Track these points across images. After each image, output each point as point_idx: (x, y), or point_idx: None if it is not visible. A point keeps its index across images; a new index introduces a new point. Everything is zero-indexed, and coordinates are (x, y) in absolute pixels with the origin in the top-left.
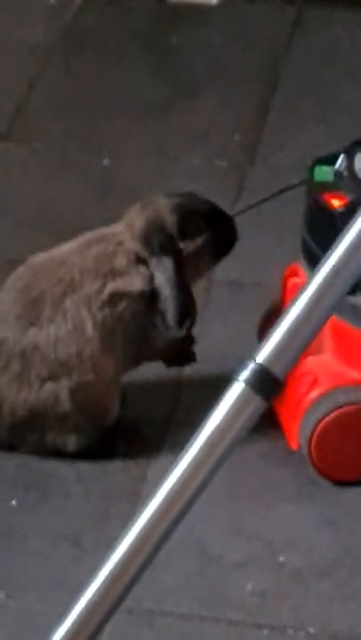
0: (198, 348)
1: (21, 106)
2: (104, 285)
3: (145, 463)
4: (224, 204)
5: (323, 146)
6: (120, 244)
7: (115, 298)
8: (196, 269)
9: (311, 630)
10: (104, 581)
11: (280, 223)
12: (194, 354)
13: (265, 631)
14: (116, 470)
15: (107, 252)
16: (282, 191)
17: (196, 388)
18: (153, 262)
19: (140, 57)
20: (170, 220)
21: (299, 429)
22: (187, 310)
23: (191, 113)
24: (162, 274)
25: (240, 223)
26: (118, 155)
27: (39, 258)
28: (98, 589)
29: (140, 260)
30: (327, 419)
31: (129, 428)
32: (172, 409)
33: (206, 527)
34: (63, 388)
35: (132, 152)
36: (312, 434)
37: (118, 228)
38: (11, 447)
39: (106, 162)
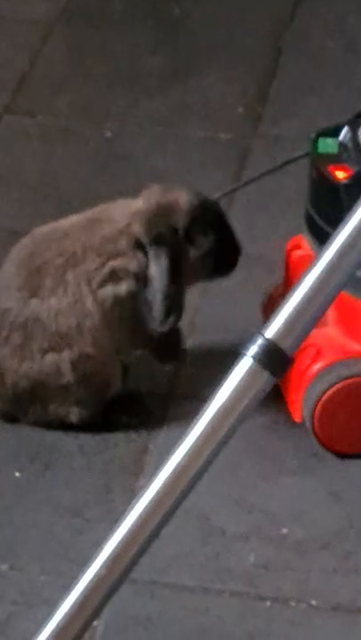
0: (200, 320)
1: (24, 79)
2: (104, 264)
3: (147, 436)
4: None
5: (326, 118)
6: (127, 225)
7: (114, 276)
8: (193, 276)
9: (313, 602)
10: (110, 554)
11: (283, 195)
12: (183, 351)
13: (267, 603)
14: (118, 442)
15: (113, 233)
16: (285, 163)
17: (197, 360)
18: (150, 251)
19: (143, 29)
20: (183, 218)
21: (302, 402)
22: (172, 307)
23: (194, 85)
24: (155, 265)
25: (243, 196)
26: (121, 127)
27: (44, 228)
28: (104, 562)
29: (140, 245)
30: (331, 391)
31: (131, 401)
32: (174, 381)
33: (209, 499)
34: (64, 359)
35: (135, 124)
36: (315, 406)
37: (130, 206)
38: (13, 418)
39: (108, 134)
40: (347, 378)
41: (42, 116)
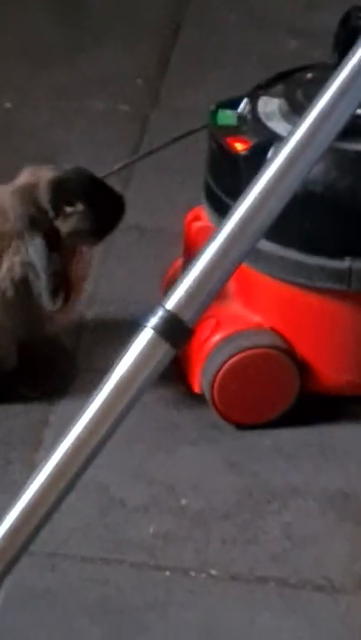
0: (99, 292)
1: None
2: (1, 254)
3: (46, 408)
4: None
5: (227, 90)
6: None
7: (8, 264)
8: (75, 245)
9: (213, 572)
10: (10, 527)
11: (182, 168)
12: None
13: (167, 573)
14: (17, 414)
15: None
16: (184, 135)
17: (97, 333)
18: (26, 237)
19: (42, 2)
20: (44, 194)
21: (201, 373)
22: (58, 283)
23: (94, 58)
24: (33, 252)
25: (142, 168)
26: (21, 98)
27: None
28: (4, 535)
29: (19, 233)
30: (230, 362)
31: (31, 372)
32: (74, 353)
33: (108, 471)
34: None
35: (35, 96)
36: (215, 377)
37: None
38: None
39: (8, 105)
40: (246, 349)
41: None
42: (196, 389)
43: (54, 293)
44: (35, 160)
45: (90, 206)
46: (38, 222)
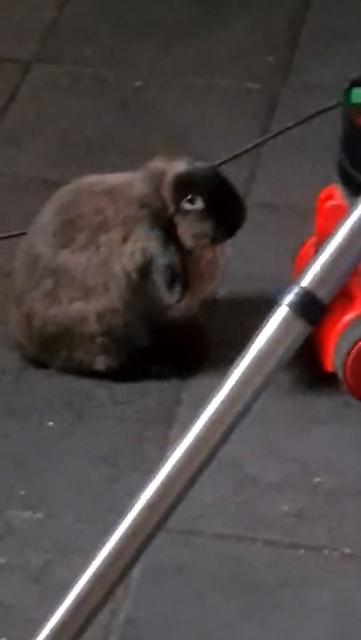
0: (231, 269)
1: (52, 27)
2: (126, 238)
3: (179, 385)
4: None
5: (356, 67)
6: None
7: (131, 249)
8: (192, 244)
9: (347, 550)
10: (145, 505)
11: (314, 145)
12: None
13: (301, 551)
14: (150, 392)
15: (132, 204)
16: (317, 113)
17: (229, 309)
18: (147, 226)
19: None
20: (167, 187)
21: (334, 351)
22: (174, 277)
23: (223, 34)
24: (151, 242)
25: (273, 146)
26: (150, 76)
27: (91, 178)
28: (139, 513)
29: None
30: None
31: (163, 350)
32: (206, 331)
33: (241, 449)
34: (91, 310)
35: (165, 73)
36: (348, 355)
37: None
38: (42, 364)
39: (138, 83)
40: None
41: (70, 65)
42: (329, 368)
43: (170, 286)
44: (165, 138)
45: (209, 207)
46: (159, 214)
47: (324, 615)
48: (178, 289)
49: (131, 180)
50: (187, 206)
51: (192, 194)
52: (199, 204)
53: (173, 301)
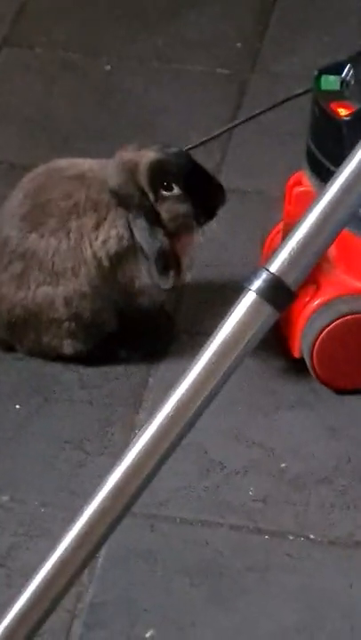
0: (200, 255)
1: (22, 10)
2: (98, 224)
3: (147, 370)
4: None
5: (325, 55)
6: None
7: (104, 236)
8: (175, 229)
9: (311, 536)
10: (112, 489)
11: (283, 132)
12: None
13: (266, 536)
14: (118, 376)
15: (104, 191)
16: (286, 99)
17: (198, 294)
18: (130, 217)
19: None
20: (143, 175)
21: (301, 337)
22: (166, 262)
23: (193, 21)
24: (138, 232)
25: (242, 132)
26: (120, 61)
27: (62, 162)
28: (107, 495)
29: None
30: (330, 327)
31: (131, 335)
32: (173, 316)
33: (207, 434)
34: (58, 294)
35: (134, 58)
36: (314, 342)
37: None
38: (10, 347)
39: (107, 68)
40: (346, 314)
41: (40, 49)
42: (296, 354)
43: (164, 272)
44: (134, 123)
45: (187, 191)
46: (140, 203)
47: (289, 600)
48: (171, 274)
49: (101, 167)
50: (165, 193)
51: (167, 181)
52: (176, 189)
53: (168, 287)
